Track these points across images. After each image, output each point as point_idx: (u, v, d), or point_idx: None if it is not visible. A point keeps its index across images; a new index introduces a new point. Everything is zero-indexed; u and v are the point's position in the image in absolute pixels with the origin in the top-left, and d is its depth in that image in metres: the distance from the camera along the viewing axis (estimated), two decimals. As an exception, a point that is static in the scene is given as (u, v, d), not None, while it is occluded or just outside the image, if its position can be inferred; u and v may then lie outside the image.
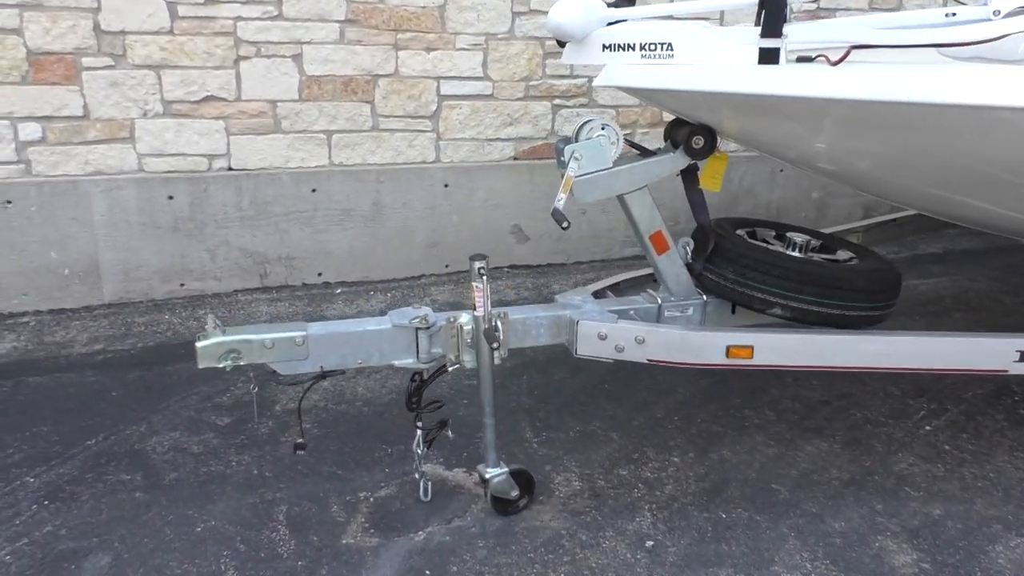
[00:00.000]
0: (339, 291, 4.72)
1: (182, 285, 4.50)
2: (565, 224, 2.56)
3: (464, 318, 2.70)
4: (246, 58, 4.33)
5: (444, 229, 4.83)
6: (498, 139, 4.81)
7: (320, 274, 4.70)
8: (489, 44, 4.66)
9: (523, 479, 2.88)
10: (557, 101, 4.88)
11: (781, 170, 5.36)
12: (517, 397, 3.64)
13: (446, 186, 4.76)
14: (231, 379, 3.75)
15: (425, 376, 2.77)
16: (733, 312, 3.01)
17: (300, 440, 2.77)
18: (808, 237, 3.03)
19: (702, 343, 2.70)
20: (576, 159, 2.61)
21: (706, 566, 2.64)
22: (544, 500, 2.97)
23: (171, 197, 4.36)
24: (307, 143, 4.53)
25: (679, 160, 2.79)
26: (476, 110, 4.74)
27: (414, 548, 2.71)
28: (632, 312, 2.89)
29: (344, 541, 2.74)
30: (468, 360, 2.73)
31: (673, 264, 2.89)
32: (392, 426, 3.41)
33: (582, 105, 4.91)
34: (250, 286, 4.63)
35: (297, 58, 4.41)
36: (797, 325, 2.84)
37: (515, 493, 2.87)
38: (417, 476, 2.93)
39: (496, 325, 2.64)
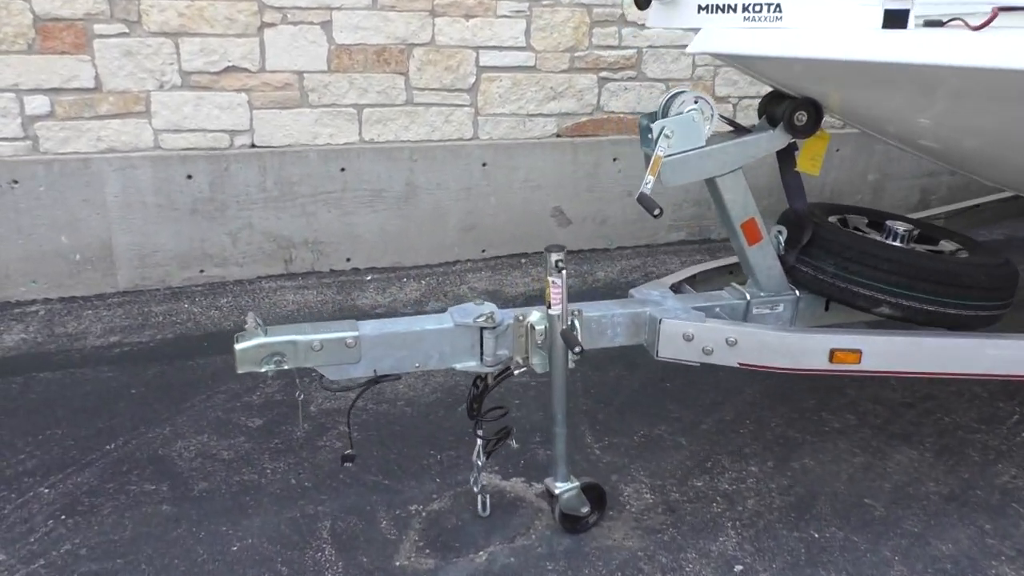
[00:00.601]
0: (369, 278, 4.41)
1: (201, 271, 4.19)
2: (657, 211, 2.25)
3: (534, 316, 2.39)
4: (271, 25, 3.99)
5: (481, 211, 4.52)
6: (540, 114, 4.48)
7: (349, 259, 4.39)
8: (533, 11, 4.31)
9: (594, 494, 2.59)
10: (604, 74, 4.53)
11: (837, 150, 5.04)
12: (573, 398, 3.34)
13: (484, 165, 4.44)
14: (261, 376, 3.45)
15: (489, 381, 2.48)
16: (827, 309, 2.71)
17: (349, 451, 2.47)
18: (909, 226, 2.72)
19: (802, 346, 2.40)
20: (667, 136, 2.30)
21: (806, 596, 2.37)
22: (615, 515, 2.68)
23: (190, 177, 4.04)
24: (336, 118, 4.21)
25: (778, 138, 2.47)
26: (517, 83, 4.41)
27: (475, 571, 2.43)
28: (717, 309, 2.59)
29: (397, 563, 2.46)
30: (538, 363, 2.43)
31: (765, 256, 2.58)
32: (439, 429, 3.12)
33: (630, 78, 4.57)
34: (274, 272, 4.33)
35: (326, 25, 4.06)
36: (902, 325, 2.54)
37: (585, 509, 2.59)
38: (476, 489, 2.65)
39: (574, 325, 2.35)
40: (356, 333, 2.29)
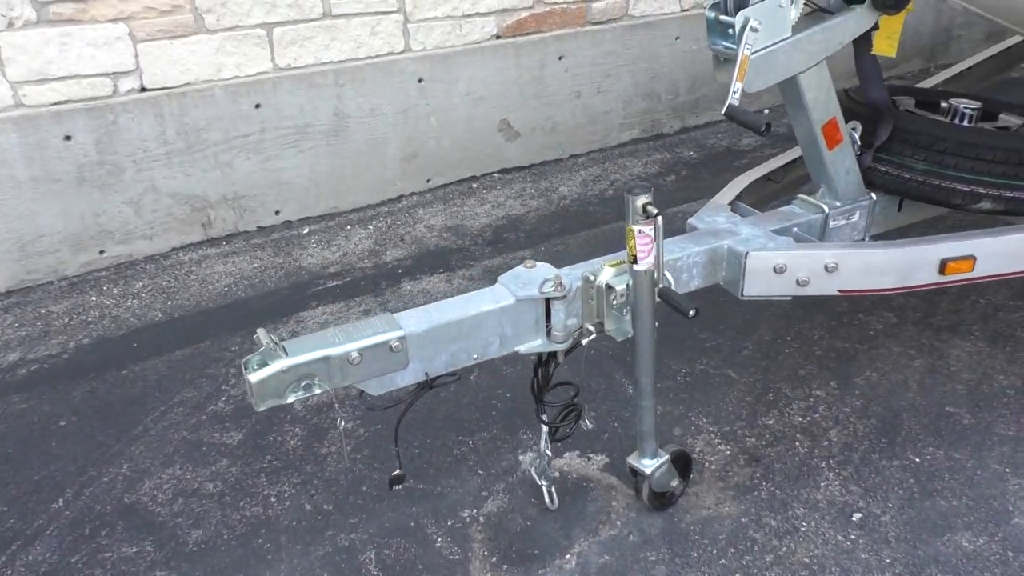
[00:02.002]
0: (306, 230, 3.77)
1: (102, 252, 3.43)
2: (764, 127, 1.81)
3: (608, 274, 1.93)
4: (137, -67, 3.15)
5: (422, 136, 3.91)
6: (477, 14, 3.85)
7: (278, 212, 3.72)
8: None
9: (682, 463, 2.24)
10: (540, -42, 3.94)
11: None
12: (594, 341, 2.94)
13: (420, 81, 3.80)
14: (219, 374, 2.85)
15: (560, 358, 2.03)
16: (899, 210, 2.39)
17: (398, 472, 1.98)
18: (975, 103, 2.40)
19: (911, 261, 2.07)
20: (753, 30, 1.83)
21: (938, 534, 2.12)
22: (696, 477, 2.34)
23: (68, 137, 3.21)
24: (241, 44, 3.44)
25: (865, 17, 2.04)
26: (447, -22, 3.75)
27: (570, 580, 2.05)
28: (795, 229, 2.21)
29: (474, 589, 2.05)
30: (614, 329, 1.99)
31: (844, 158, 2.20)
32: (458, 407, 2.65)
33: (571, -40, 4.00)
34: (192, 240, 3.61)
35: (208, -73, 3.25)
36: (1001, 220, 2.26)
37: (675, 483, 2.23)
38: (544, 484, 2.23)
39: (671, 282, 1.91)
40: (401, 332, 1.76)
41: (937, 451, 2.38)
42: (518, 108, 4.08)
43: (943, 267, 2.08)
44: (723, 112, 1.88)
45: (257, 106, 3.50)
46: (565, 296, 1.89)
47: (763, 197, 2.56)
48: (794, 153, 2.66)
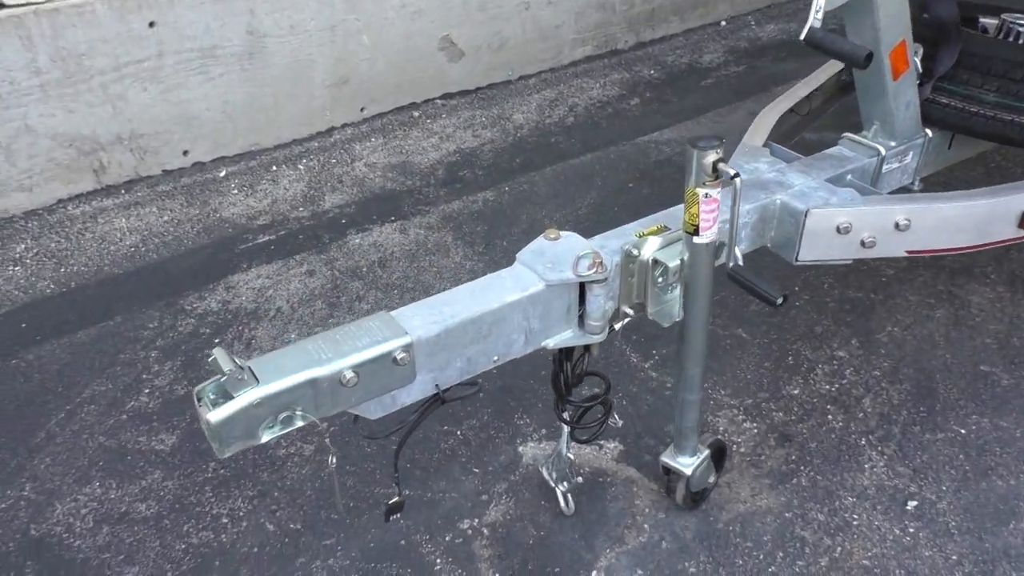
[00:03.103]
0: (223, 173, 3.18)
1: (-31, 207, 2.79)
2: (868, 54, 1.42)
3: (654, 248, 1.54)
4: None
5: (353, 56, 3.34)
6: (414, -93, 3.26)
7: (186, 152, 3.12)
8: None
9: (718, 454, 1.92)
10: None
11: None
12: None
13: (350, -8, 3.22)
14: (136, 360, 2.33)
15: (594, 351, 1.64)
16: (949, 148, 2.08)
17: (397, 499, 1.58)
18: (1030, 17, 2.08)
19: (991, 214, 1.76)
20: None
21: (1003, 522, 1.89)
22: (726, 463, 2.05)
23: (-91, 66, 2.53)
24: (129, -56, 2.76)
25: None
26: None
27: (601, 605, 1.73)
28: (849, 176, 1.86)
29: (489, 625, 1.70)
30: (657, 312, 1.61)
31: (907, 89, 1.85)
32: (436, 388, 2.25)
33: None
34: (82, 190, 2.98)
35: None
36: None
37: (713, 478, 1.92)
38: (562, 488, 1.87)
39: (739, 257, 1.53)
40: (407, 339, 1.32)
41: (981, 419, 2.15)
42: (461, 23, 3.54)
43: (1022, 219, 1.79)
44: (803, 38, 1.49)
45: (151, 24, 2.85)
46: (606, 278, 1.49)
47: (783, 134, 2.19)
48: (817, 80, 2.31)
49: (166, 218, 2.92)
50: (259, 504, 1.95)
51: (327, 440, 1.31)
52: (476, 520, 1.92)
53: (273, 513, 1.93)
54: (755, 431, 2.13)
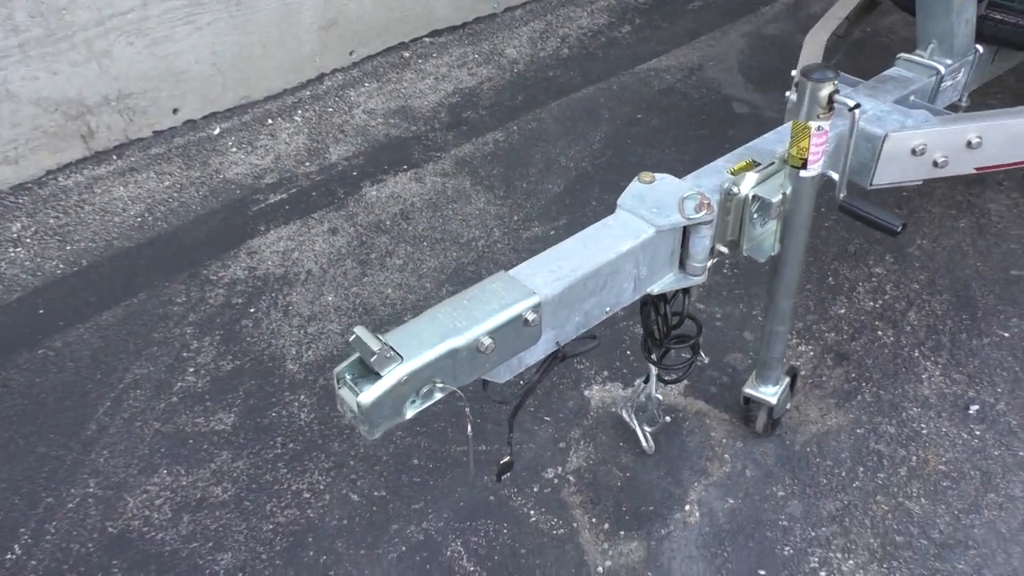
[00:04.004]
0: (217, 130, 3.01)
1: (-49, 189, 2.58)
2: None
3: (751, 183, 1.51)
4: None
5: (339, -2, 3.17)
6: None
7: (176, 110, 2.94)
8: None
9: (793, 380, 1.95)
10: None
11: None
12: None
13: (332, -73, 3.03)
14: (172, 338, 2.23)
15: (693, 292, 1.63)
16: (992, 63, 2.09)
17: (508, 458, 1.56)
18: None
19: (1055, 127, 1.79)
20: None
21: (1060, 418, 2.00)
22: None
23: None
24: None
25: None
26: None
27: (704, 539, 1.75)
28: (912, 97, 1.86)
29: (600, 569, 1.71)
30: (752, 248, 1.59)
31: (968, 6, 1.84)
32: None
33: None
34: (71, 158, 2.79)
35: None
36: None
37: (790, 404, 1.95)
38: (648, 429, 1.88)
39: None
40: (536, 299, 1.29)
41: (1021, 321, 2.23)
42: (445, -45, 3.39)
43: (1081, 128, 1.82)
44: None
45: (133, -27, 2.64)
46: (713, 219, 1.47)
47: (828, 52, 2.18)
48: (852, 2, 2.29)
49: (167, 183, 2.77)
50: (337, 475, 1.92)
51: (467, 409, 1.28)
52: (560, 468, 1.92)
53: (354, 483, 1.90)
54: (811, 353, 2.17)
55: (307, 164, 2.86)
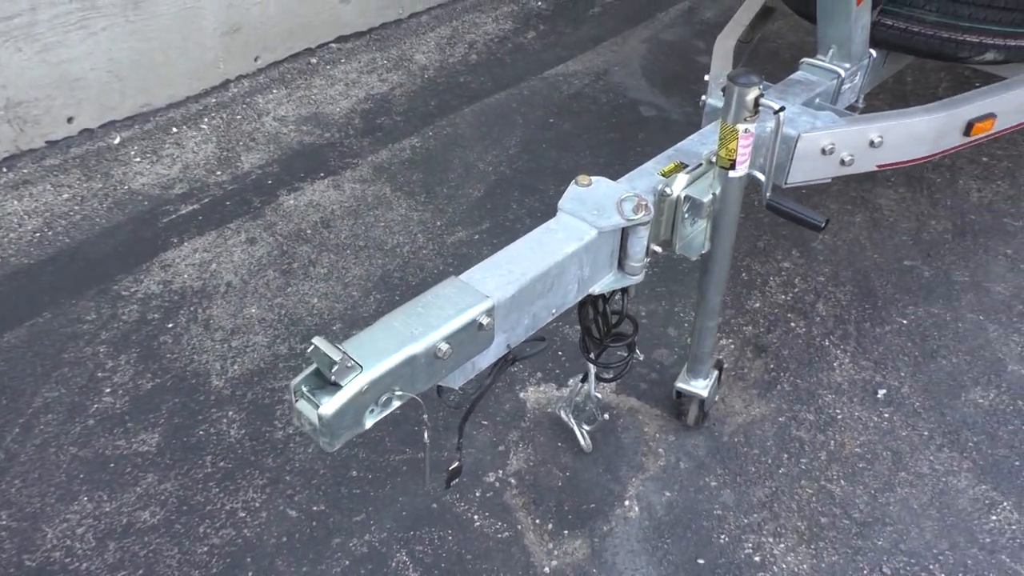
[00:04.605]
0: (117, 140, 2.87)
1: None
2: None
3: (683, 182, 1.57)
4: None
5: (243, 1, 3.07)
6: None
7: (71, 119, 2.78)
8: None
9: (720, 372, 2.03)
10: None
11: None
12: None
13: (234, -71, 2.93)
14: (84, 358, 2.11)
15: (631, 291, 1.67)
16: (883, 65, 2.23)
17: (457, 464, 1.55)
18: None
19: (943, 127, 1.92)
20: None
21: (955, 395, 2.14)
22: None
23: None
24: None
25: None
26: None
27: (644, 532, 1.80)
28: (817, 99, 1.97)
29: (546, 568, 1.73)
30: (683, 247, 1.65)
31: (864, 13, 1.96)
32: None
33: None
34: (-45, 171, 2.60)
35: None
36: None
37: (717, 396, 2.03)
38: (587, 428, 1.92)
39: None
40: (489, 303, 1.30)
41: (917, 309, 2.39)
42: (350, -41, 3.35)
43: (969, 128, 1.97)
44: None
45: (20, -26, 2.49)
46: (650, 220, 1.52)
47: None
48: (752, 9, 2.40)
49: (66, 196, 2.62)
50: (273, 492, 1.87)
51: (424, 416, 1.27)
52: (500, 471, 1.94)
53: (291, 499, 1.86)
54: (732, 346, 2.27)
55: (218, 173, 2.77)
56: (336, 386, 1.17)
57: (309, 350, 1.16)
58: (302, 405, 1.17)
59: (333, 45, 3.44)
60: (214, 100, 3.09)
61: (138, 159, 2.80)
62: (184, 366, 2.12)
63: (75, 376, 2.08)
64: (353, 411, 1.19)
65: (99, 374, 2.09)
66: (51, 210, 2.57)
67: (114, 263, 2.40)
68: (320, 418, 1.15)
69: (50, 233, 2.50)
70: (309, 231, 2.55)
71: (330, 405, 1.15)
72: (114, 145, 2.84)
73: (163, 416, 2.00)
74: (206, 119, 3.00)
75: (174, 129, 2.93)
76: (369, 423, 1.23)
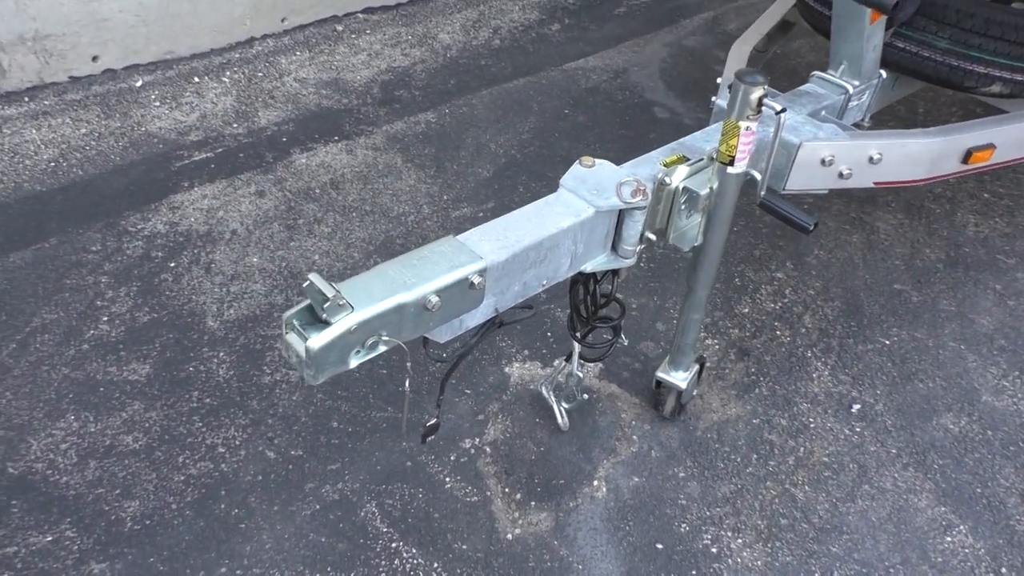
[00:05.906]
0: (139, 83, 2.92)
1: None
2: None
3: (683, 174, 1.62)
4: None
5: (276, -39, 3.12)
6: None
7: (96, 57, 2.83)
8: None
9: (701, 369, 2.08)
10: None
11: None
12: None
13: None
14: (86, 285, 2.17)
15: (622, 274, 1.72)
16: (892, 88, 2.28)
17: (435, 421, 1.60)
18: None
19: (943, 151, 1.97)
20: None
21: (927, 418, 2.18)
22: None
23: None
24: None
25: None
26: None
27: (608, 512, 1.85)
28: (824, 112, 2.02)
29: (509, 535, 1.78)
30: (677, 237, 1.70)
31: (877, 33, 2.00)
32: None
33: None
34: (-21, 95, 2.66)
35: None
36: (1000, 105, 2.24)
37: (697, 390, 2.08)
38: (566, 406, 1.97)
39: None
40: (482, 264, 1.35)
41: (901, 331, 2.44)
42: (387, -69, 3.39)
43: (967, 157, 2.02)
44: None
45: (65, -92, 2.54)
46: (647, 205, 1.57)
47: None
48: (772, 19, 2.45)
49: (84, 131, 2.67)
50: (254, 433, 1.92)
51: (408, 364, 1.32)
52: (477, 439, 1.99)
53: (271, 441, 1.91)
54: (717, 347, 2.32)
55: (234, 125, 2.82)
56: (326, 323, 1.22)
57: (305, 285, 1.21)
58: (291, 337, 1.22)
59: (360, 15, 3.49)
60: (238, 55, 3.14)
61: (157, 103, 2.85)
62: (181, 304, 2.17)
63: (75, 302, 2.13)
64: (340, 348, 1.24)
65: (98, 303, 2.14)
66: (68, 142, 2.62)
67: (124, 200, 2.46)
68: (307, 350, 1.20)
69: (64, 164, 2.55)
70: (318, 190, 2.60)
71: (318, 339, 1.20)
72: (135, 87, 2.89)
73: (156, 349, 2.05)
74: (228, 72, 3.05)
75: (195, 79, 2.98)
76: (354, 363, 1.28)
